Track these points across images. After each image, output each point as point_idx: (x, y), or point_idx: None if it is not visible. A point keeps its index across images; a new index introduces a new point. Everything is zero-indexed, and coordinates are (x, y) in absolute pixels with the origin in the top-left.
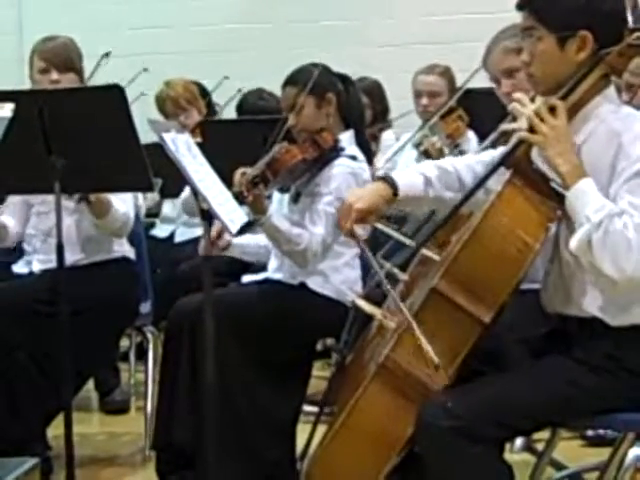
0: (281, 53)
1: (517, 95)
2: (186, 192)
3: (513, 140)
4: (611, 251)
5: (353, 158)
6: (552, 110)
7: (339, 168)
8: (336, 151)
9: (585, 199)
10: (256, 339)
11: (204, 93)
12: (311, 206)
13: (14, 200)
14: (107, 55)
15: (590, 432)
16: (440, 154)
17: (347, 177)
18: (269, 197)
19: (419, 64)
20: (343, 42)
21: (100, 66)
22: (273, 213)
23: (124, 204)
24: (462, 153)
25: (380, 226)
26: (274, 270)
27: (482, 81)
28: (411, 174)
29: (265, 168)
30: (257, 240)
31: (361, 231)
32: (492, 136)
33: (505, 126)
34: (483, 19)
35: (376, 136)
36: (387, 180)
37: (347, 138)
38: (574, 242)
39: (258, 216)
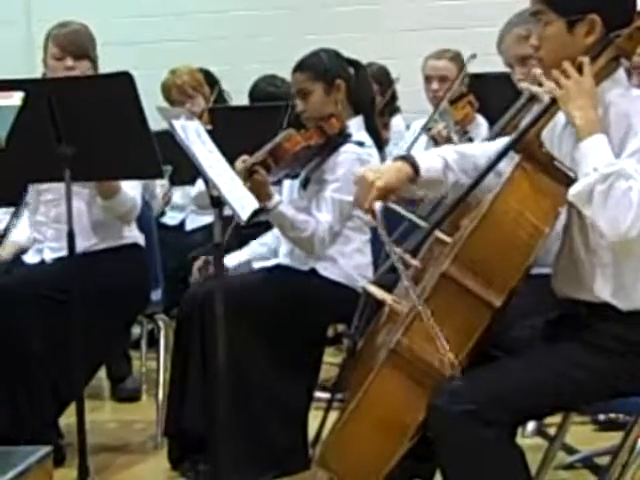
0: (294, 39)
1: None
2: (199, 186)
3: (524, 123)
4: (611, 207)
5: (360, 144)
6: (579, 69)
7: (345, 155)
8: (343, 137)
9: (596, 153)
10: (267, 325)
11: (214, 81)
12: (318, 193)
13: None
14: None
15: (602, 416)
16: (448, 141)
17: (354, 163)
18: (278, 183)
19: (432, 49)
20: (356, 27)
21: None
22: (280, 200)
23: (132, 189)
24: (470, 141)
25: (394, 206)
26: (284, 256)
27: (493, 66)
28: (430, 156)
29: (267, 155)
30: (254, 249)
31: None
32: (502, 121)
33: (527, 86)
34: (495, 3)
35: (387, 123)
36: (408, 159)
37: (356, 124)
38: (575, 189)
39: (262, 203)
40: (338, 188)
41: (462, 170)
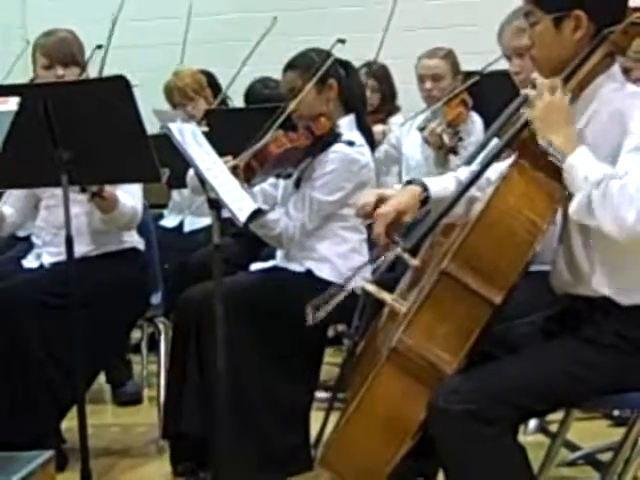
0: (288, 41)
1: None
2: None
3: (520, 121)
4: (611, 206)
5: (350, 144)
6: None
7: (334, 155)
8: (333, 137)
9: (583, 165)
10: (266, 327)
11: (216, 84)
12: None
13: (16, 191)
14: (100, 47)
15: (604, 412)
16: (439, 140)
17: (342, 163)
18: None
19: (425, 48)
20: (350, 28)
21: (101, 58)
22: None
23: (132, 197)
24: (461, 140)
25: None
26: (281, 258)
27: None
28: (443, 178)
29: (251, 157)
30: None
31: None
32: (496, 123)
33: (528, 91)
34: (494, 2)
35: (384, 121)
36: (417, 183)
37: (347, 123)
38: (574, 205)
39: None
40: (319, 186)
41: (477, 187)
